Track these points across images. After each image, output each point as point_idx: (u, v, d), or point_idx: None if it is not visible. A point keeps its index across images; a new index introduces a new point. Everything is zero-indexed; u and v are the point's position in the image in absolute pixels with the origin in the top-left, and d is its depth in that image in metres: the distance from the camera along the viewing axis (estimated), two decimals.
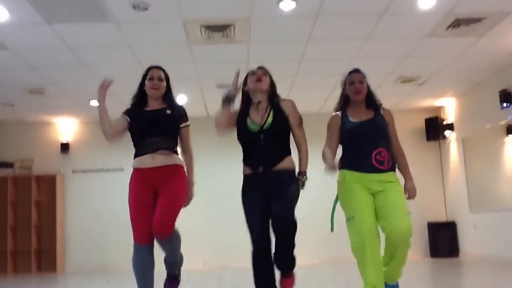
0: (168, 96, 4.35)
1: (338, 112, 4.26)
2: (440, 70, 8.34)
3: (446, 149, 10.73)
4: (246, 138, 3.97)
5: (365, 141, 4.04)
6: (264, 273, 3.80)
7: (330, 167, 3.83)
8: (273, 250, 3.77)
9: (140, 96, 4.33)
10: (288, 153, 3.97)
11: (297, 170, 3.99)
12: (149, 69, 4.38)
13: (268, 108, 3.98)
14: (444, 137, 10.59)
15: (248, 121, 3.95)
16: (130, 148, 4.28)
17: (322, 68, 8.04)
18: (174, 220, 4.01)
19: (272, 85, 4.14)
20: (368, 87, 4.26)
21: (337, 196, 4.11)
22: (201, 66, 7.83)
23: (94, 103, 9.44)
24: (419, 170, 10.75)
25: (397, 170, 4.17)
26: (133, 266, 4.04)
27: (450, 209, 10.67)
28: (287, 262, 3.88)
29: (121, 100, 9.25)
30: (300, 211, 3.84)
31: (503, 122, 8.47)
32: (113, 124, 4.28)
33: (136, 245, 4.03)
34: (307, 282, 6.41)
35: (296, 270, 4.00)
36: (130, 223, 4.09)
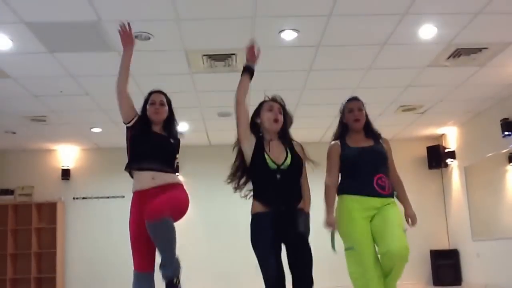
0: (169, 122, 4.32)
1: (337, 141, 4.24)
2: (442, 99, 8.36)
3: (448, 177, 10.70)
4: (265, 175, 3.78)
5: (366, 166, 4.02)
6: None
7: (329, 224, 3.88)
8: None
9: (145, 120, 4.25)
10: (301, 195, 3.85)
11: None
12: (150, 93, 4.36)
13: (285, 147, 3.88)
14: (446, 165, 10.57)
15: (267, 158, 3.77)
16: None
17: (324, 97, 8.04)
18: (168, 207, 3.87)
19: (285, 121, 4.03)
20: (367, 116, 4.27)
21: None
22: (203, 94, 7.84)
23: (96, 130, 9.46)
24: (421, 198, 10.79)
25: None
26: None
27: (452, 237, 10.61)
28: None
29: (122, 129, 9.30)
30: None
31: (504, 151, 8.47)
32: (127, 90, 4.32)
33: (136, 273, 3.97)
34: None
35: None
36: (130, 251, 4.02)
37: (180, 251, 3.97)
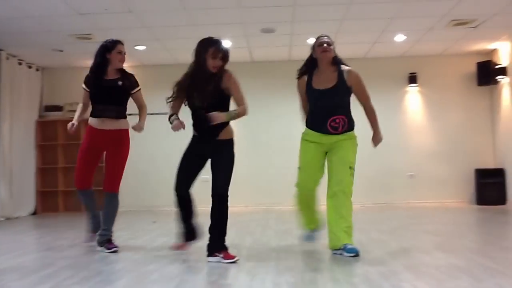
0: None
1: (304, 77, 4.81)
2: (497, 12, 7.94)
3: (498, 94, 10.38)
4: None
5: (322, 110, 4.64)
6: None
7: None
8: None
9: (103, 64, 5.10)
10: None
11: None
12: (116, 43, 5.20)
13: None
14: (496, 82, 10.23)
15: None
16: None
17: (371, 11, 7.78)
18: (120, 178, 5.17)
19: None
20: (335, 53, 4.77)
21: None
22: (245, 10, 7.70)
23: (140, 47, 9.50)
24: (468, 116, 10.62)
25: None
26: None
27: (499, 156, 10.43)
28: None
29: (166, 46, 9.30)
30: None
31: None
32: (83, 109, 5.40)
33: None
34: None
35: None
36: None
37: None
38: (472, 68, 10.42)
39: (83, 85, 5.22)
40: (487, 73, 10.22)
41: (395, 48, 9.79)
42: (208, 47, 4.43)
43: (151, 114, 11.04)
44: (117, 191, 5.13)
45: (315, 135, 4.70)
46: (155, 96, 10.87)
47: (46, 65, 10.87)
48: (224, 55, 4.42)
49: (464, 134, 10.62)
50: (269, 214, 8.63)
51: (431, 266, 3.89)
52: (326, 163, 4.74)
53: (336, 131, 4.61)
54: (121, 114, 5.13)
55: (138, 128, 5.05)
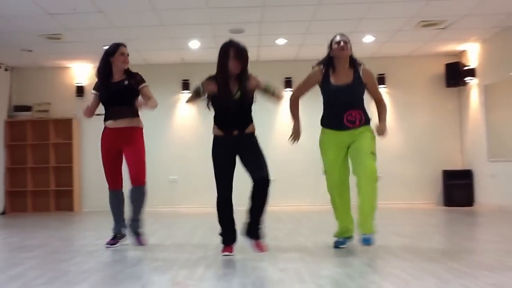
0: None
1: (322, 68, 4.86)
2: (467, 13, 8.05)
3: (466, 96, 10.54)
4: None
5: (340, 105, 4.73)
6: None
7: (294, 131, 4.90)
8: None
9: (108, 68, 5.20)
10: None
11: None
12: (117, 46, 5.25)
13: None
14: (465, 84, 10.38)
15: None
16: None
17: (339, 12, 7.83)
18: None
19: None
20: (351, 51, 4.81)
21: None
22: (214, 11, 7.69)
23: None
24: (436, 117, 10.74)
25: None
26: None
27: (467, 157, 10.58)
28: None
29: (135, 46, 9.24)
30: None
31: None
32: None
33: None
34: None
35: None
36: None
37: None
38: (441, 69, 10.56)
39: (93, 91, 5.32)
40: (455, 74, 10.36)
41: (364, 49, 9.87)
42: (229, 50, 4.51)
43: None
44: (143, 183, 5.27)
45: (332, 134, 4.79)
46: None
47: (15, 65, 10.80)
48: (241, 55, 4.50)
49: (432, 136, 10.75)
50: (236, 215, 8.58)
51: (398, 267, 3.92)
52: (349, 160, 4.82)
53: (353, 125, 4.70)
54: (133, 113, 5.23)
55: (141, 103, 5.09)
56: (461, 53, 10.58)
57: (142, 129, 5.33)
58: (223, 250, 4.64)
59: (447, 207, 10.02)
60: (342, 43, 4.72)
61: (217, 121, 4.62)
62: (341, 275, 3.64)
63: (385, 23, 8.47)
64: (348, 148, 4.78)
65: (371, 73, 4.90)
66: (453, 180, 10.31)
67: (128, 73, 5.28)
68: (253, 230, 4.58)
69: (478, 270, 3.69)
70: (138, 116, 5.30)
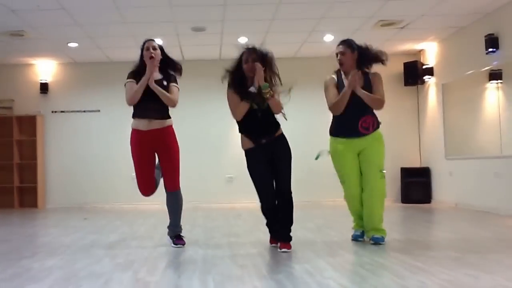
0: (164, 63, 5.10)
1: (333, 76, 4.95)
2: (424, 13, 8.21)
3: (424, 94, 10.75)
4: None
5: (353, 111, 4.77)
6: None
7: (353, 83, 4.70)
8: None
9: (142, 67, 4.93)
10: None
11: None
12: (145, 41, 5.02)
13: None
14: (423, 82, 10.58)
15: None
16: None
17: (300, 11, 7.93)
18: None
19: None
20: (360, 51, 4.84)
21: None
22: (176, 9, 7.71)
23: (72, 45, 9.38)
24: (395, 115, 10.90)
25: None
26: None
27: (425, 155, 10.79)
28: None
29: (98, 43, 9.17)
30: None
31: (487, 68, 8.29)
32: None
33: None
34: None
35: None
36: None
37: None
38: (399, 68, 10.73)
39: (130, 80, 4.98)
40: (414, 73, 10.56)
41: (324, 48, 9.97)
42: (241, 55, 4.70)
43: (79, 111, 11.08)
44: (178, 188, 5.09)
45: (345, 142, 4.89)
46: (87, 93, 10.85)
47: None
48: (253, 57, 4.61)
49: (390, 134, 10.78)
50: (197, 212, 8.69)
51: (356, 264, 4.00)
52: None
53: (367, 131, 4.84)
54: (165, 113, 5.05)
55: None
56: (419, 52, 10.80)
57: (172, 126, 5.13)
58: (272, 242, 4.94)
59: (404, 204, 10.15)
60: (339, 55, 4.83)
61: (243, 129, 4.71)
62: (299, 271, 3.70)
63: (345, 23, 8.59)
64: (359, 154, 4.91)
65: (379, 75, 4.92)
66: (411, 178, 10.47)
67: (165, 72, 5.11)
68: (283, 236, 4.70)
69: (434, 266, 3.76)
70: (169, 115, 5.11)
